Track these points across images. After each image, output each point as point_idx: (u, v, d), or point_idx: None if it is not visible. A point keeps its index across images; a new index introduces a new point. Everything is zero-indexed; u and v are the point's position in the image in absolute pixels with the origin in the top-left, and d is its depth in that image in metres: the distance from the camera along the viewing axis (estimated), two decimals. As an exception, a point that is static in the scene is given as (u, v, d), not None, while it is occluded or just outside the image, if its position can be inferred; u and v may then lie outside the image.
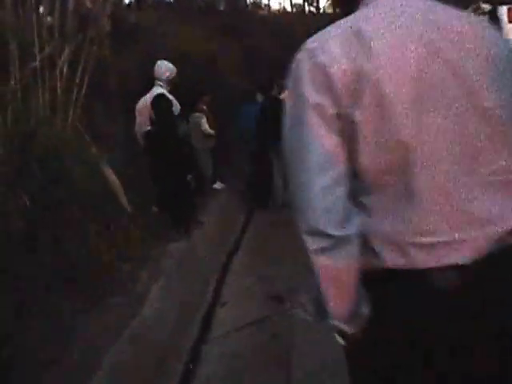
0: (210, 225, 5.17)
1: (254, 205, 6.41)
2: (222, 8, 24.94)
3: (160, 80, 4.65)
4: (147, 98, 4.63)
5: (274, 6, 38.34)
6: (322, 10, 40.95)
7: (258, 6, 37.52)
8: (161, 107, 4.44)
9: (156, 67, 4.68)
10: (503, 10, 4.86)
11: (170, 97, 4.61)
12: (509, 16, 4.80)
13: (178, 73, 4.85)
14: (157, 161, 4.55)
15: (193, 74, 6.99)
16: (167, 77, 4.66)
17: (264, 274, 4.14)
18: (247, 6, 33.54)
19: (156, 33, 11.18)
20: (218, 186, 6.76)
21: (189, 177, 5.01)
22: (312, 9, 40.52)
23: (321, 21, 30.82)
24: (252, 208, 6.35)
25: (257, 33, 20.04)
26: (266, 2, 37.30)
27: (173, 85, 4.74)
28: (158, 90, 4.60)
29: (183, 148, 4.74)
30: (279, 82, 6.14)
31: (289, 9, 40.17)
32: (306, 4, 40.59)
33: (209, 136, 6.53)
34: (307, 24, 29.64)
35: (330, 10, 41.29)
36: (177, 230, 4.60)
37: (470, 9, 5.39)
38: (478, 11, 5.12)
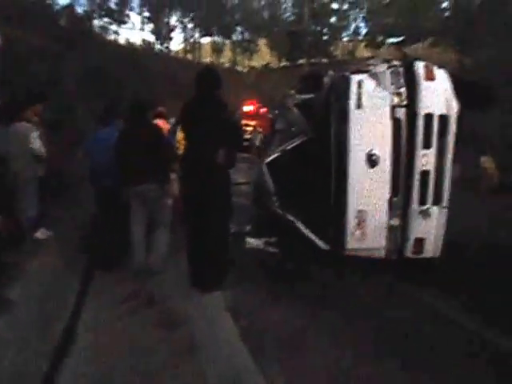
0: (26, 304, 3.14)
1: (95, 265, 4.52)
2: (63, 23, 22.32)
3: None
4: None
5: (123, 35, 36.61)
6: (173, 53, 41.08)
7: (105, 30, 35.43)
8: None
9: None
10: (420, 66, 4.39)
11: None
12: (426, 73, 4.33)
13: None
14: None
15: (23, 71, 4.96)
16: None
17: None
18: (92, 28, 31.25)
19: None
20: (41, 234, 4.64)
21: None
22: (163, 48, 40.24)
23: (170, 62, 30.22)
24: (92, 270, 4.45)
25: (103, 57, 18.20)
26: (115, 29, 35.42)
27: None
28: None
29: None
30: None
31: (138, 43, 39.20)
32: (158, 43, 40.19)
33: (39, 159, 4.46)
34: (158, 62, 28.78)
35: (181, 55, 41.59)
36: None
37: (377, 62, 4.88)
38: (390, 66, 4.58)
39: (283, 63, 48.83)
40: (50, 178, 4.70)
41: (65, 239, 4.78)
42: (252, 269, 4.14)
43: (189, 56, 41.77)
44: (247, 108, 20.55)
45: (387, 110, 4.41)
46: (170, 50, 40.17)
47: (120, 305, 3.58)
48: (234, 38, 46.14)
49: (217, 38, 45.01)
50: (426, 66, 4.41)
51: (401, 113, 4.41)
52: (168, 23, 39.84)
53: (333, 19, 48.64)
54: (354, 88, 4.50)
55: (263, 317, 3.10)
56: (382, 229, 4.50)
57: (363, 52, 51.85)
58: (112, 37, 35.12)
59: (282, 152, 5.22)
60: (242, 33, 46.51)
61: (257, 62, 48.09)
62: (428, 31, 45.69)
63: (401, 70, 4.51)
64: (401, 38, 50.01)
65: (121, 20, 36.38)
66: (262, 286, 3.82)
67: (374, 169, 4.43)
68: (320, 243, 4.72)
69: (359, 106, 4.46)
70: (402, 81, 4.47)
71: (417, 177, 4.37)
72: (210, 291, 3.68)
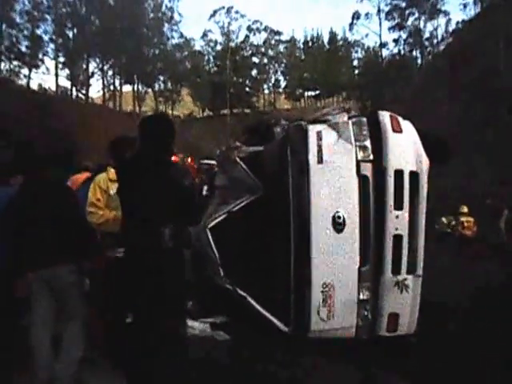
0: None
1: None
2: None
3: None
4: None
5: (36, 80, 34.73)
6: (90, 100, 39.26)
7: (15, 74, 32.95)
8: None
9: None
10: (385, 118, 3.91)
11: None
12: (393, 124, 3.84)
13: None
14: None
15: None
16: None
17: None
18: (0, 70, 29.02)
19: None
20: None
21: None
22: (80, 95, 38.33)
23: (90, 109, 28.82)
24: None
25: (12, 104, 16.50)
26: (27, 73, 33.14)
27: None
28: None
29: None
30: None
31: (53, 88, 36.96)
32: (74, 89, 38.23)
33: None
34: (75, 109, 27.09)
35: (100, 102, 39.89)
36: None
37: (335, 111, 4.36)
38: (351, 116, 4.07)
39: (206, 113, 49.20)
40: None
41: None
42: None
43: (108, 104, 40.26)
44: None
45: (352, 165, 3.84)
46: (88, 97, 38.42)
47: None
48: (156, 87, 45.71)
49: (138, 87, 44.22)
50: (392, 117, 3.95)
51: (367, 169, 3.85)
52: (87, 69, 38.31)
53: (254, 72, 50.51)
54: (313, 140, 3.90)
55: None
56: (351, 304, 3.80)
57: (284, 104, 54.30)
58: (23, 81, 32.92)
59: (227, 214, 4.40)
60: (164, 82, 46.30)
61: (179, 112, 47.90)
62: (341, 86, 49.25)
63: (364, 120, 4.01)
64: (317, 92, 53.32)
65: (33, 64, 34.24)
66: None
67: (341, 234, 3.77)
68: (279, 324, 3.89)
69: (320, 160, 3.84)
70: (365, 133, 3.95)
71: (389, 242, 3.77)
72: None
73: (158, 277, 2.63)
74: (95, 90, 47.62)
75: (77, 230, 3.15)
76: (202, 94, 46.22)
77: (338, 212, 3.76)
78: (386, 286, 3.79)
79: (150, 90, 45.35)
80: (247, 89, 49.79)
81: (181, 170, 2.92)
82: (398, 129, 3.90)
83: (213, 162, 8.16)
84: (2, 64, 30.78)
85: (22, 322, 3.33)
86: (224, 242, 4.32)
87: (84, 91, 37.82)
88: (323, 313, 3.74)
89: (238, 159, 4.53)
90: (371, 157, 3.86)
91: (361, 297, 3.82)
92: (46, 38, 35.40)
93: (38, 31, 34.55)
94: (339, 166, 3.85)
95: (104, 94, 40.68)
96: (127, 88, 44.33)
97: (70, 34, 36.76)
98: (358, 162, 3.84)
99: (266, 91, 54.14)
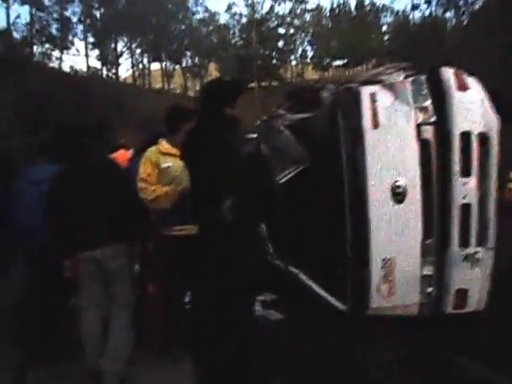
0: None
1: (31, 362, 3.19)
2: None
3: None
4: None
5: (68, 62, 35.27)
6: (121, 79, 39.55)
7: (47, 57, 33.46)
8: None
9: None
10: (448, 74, 3.50)
11: None
12: (458, 82, 3.43)
13: None
14: None
15: None
16: None
17: None
18: (33, 54, 29.46)
19: None
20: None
21: None
22: (110, 74, 38.64)
23: (119, 88, 28.91)
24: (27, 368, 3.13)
25: (44, 84, 16.66)
26: (58, 55, 33.58)
27: None
28: None
29: None
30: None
31: (85, 69, 37.41)
32: (105, 69, 38.56)
33: None
34: (106, 89, 27.24)
35: (130, 81, 40.14)
36: None
37: (391, 70, 3.98)
38: (408, 75, 3.68)
39: (234, 87, 48.57)
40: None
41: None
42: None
43: (138, 82, 40.41)
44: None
45: (412, 129, 3.47)
46: (118, 76, 38.64)
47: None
48: (184, 63, 45.43)
49: (166, 64, 44.11)
50: (456, 73, 3.54)
51: (429, 132, 3.48)
52: (115, 49, 38.38)
53: (280, 43, 49.26)
54: (366, 102, 3.55)
55: None
56: (414, 280, 3.51)
57: (312, 74, 52.92)
58: (55, 64, 33.37)
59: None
60: (191, 57, 45.94)
61: (208, 87, 47.50)
62: (371, 53, 47.46)
63: (423, 78, 3.62)
64: (345, 61, 51.66)
65: (64, 46, 34.56)
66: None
67: (402, 204, 3.46)
68: (335, 303, 3.66)
69: (376, 125, 3.50)
70: (426, 92, 3.56)
71: (455, 212, 3.43)
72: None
73: (216, 250, 2.43)
74: (125, 69, 47.64)
75: (128, 207, 2.98)
76: (230, 68, 45.54)
77: (397, 181, 3.44)
78: (452, 260, 3.47)
79: (177, 66, 45.16)
80: (274, 61, 48.70)
81: (240, 137, 2.61)
82: (463, 86, 3.49)
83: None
84: (35, 47, 31.21)
85: (70, 303, 3.24)
86: (272, 216, 4.09)
87: (114, 71, 38.09)
88: (384, 289, 3.48)
89: (282, 128, 4.24)
90: (433, 119, 3.49)
91: (424, 272, 3.52)
92: (74, 19, 35.60)
93: (67, 13, 34.73)
94: (397, 130, 3.50)
95: (133, 72, 40.86)
96: (156, 66, 44.38)
97: (98, 14, 36.78)
98: (417, 126, 3.47)
99: (294, 62, 52.86)
